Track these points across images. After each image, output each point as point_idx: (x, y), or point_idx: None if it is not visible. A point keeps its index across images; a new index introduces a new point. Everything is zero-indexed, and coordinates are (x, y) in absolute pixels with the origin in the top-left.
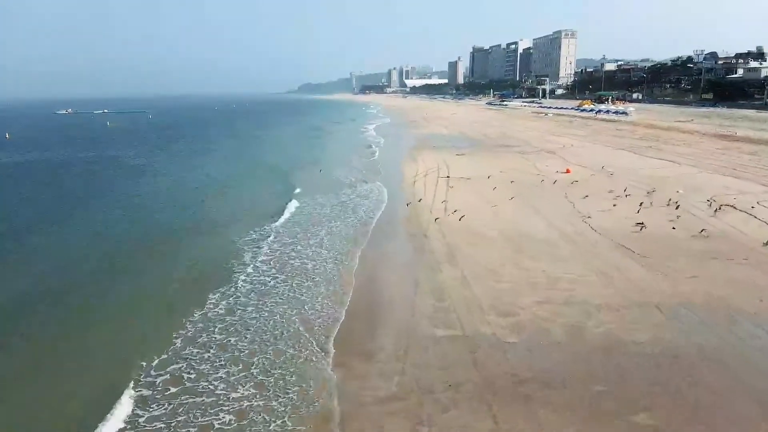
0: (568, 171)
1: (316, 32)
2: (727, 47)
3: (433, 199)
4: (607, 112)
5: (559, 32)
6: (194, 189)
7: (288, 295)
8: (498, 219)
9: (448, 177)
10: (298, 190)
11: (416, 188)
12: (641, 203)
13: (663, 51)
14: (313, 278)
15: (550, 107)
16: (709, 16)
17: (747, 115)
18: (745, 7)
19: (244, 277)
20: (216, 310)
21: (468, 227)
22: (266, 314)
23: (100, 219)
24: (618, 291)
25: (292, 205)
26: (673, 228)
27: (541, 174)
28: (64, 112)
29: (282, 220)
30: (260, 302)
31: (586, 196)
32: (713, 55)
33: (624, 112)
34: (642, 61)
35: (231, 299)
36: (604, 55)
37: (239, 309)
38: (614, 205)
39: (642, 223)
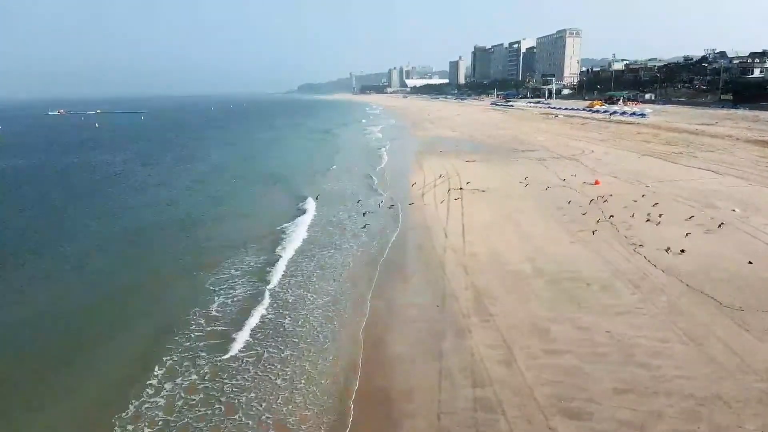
0: (597, 182)
1: (316, 32)
2: (732, 47)
3: (447, 218)
4: (623, 113)
5: (564, 31)
6: (153, 224)
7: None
8: (529, 247)
9: (460, 189)
10: (291, 225)
11: (426, 202)
12: (707, 228)
13: (667, 51)
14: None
15: (558, 108)
16: (712, 16)
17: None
18: (746, 7)
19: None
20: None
21: (494, 259)
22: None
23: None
24: (723, 369)
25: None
26: (750, 262)
27: (567, 185)
28: (55, 112)
29: (278, 273)
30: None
31: (632, 215)
32: (722, 55)
33: (642, 114)
34: (649, 60)
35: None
36: (614, 54)
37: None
38: (659, 224)
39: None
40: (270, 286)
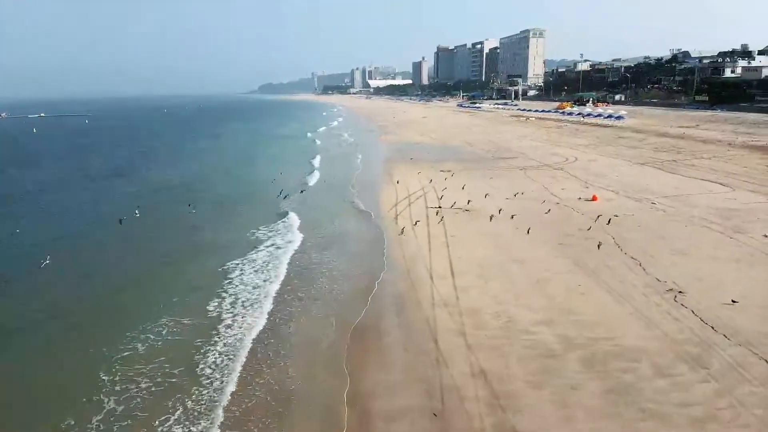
0: (594, 198)
1: (277, 32)
2: (697, 47)
3: (429, 252)
4: (599, 115)
5: (527, 31)
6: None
7: None
8: (543, 300)
9: (440, 207)
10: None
11: (402, 228)
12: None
13: (628, 52)
14: None
15: (528, 110)
16: (673, 17)
17: (758, 119)
18: (703, 8)
19: None
20: None
21: (502, 321)
22: None
23: None
24: None
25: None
26: None
27: (563, 203)
28: None
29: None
30: None
31: (651, 243)
32: (687, 55)
33: (619, 116)
34: (614, 61)
35: None
36: (581, 54)
37: None
38: (686, 255)
39: None
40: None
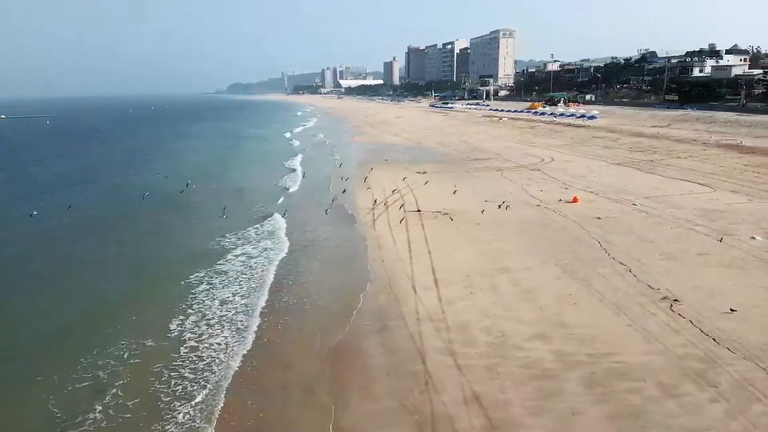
0: (575, 200)
1: (246, 31)
2: (664, 47)
3: (410, 260)
4: (572, 115)
5: (497, 32)
6: None
7: None
8: (534, 312)
9: (419, 211)
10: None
11: (379, 234)
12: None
13: (596, 52)
14: None
15: (501, 110)
16: (640, 18)
17: (729, 118)
18: (670, 10)
19: None
20: None
21: (493, 337)
22: None
23: None
24: None
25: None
26: None
27: (543, 204)
28: None
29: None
30: None
31: (638, 247)
32: (653, 55)
33: (592, 116)
34: (582, 61)
35: None
36: (552, 55)
37: None
38: (676, 260)
39: None
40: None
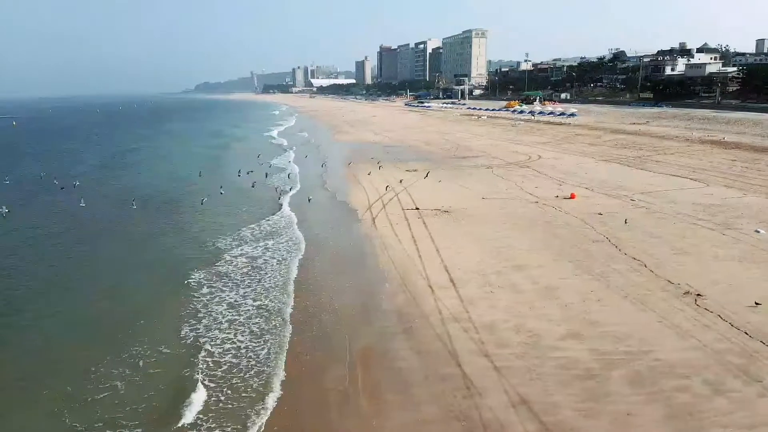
0: (573, 196)
1: (215, 29)
2: (633, 47)
3: (420, 258)
4: (551, 114)
5: (470, 32)
6: None
7: None
8: (559, 310)
9: (417, 209)
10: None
11: (382, 233)
12: None
13: (567, 52)
14: None
15: (478, 109)
16: (608, 18)
17: (706, 115)
18: (632, 11)
19: None
20: None
21: (524, 336)
22: None
23: None
24: None
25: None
26: None
27: (541, 201)
28: None
29: None
30: None
31: (648, 241)
32: (622, 54)
33: (572, 114)
34: (554, 61)
35: None
36: (527, 54)
37: None
38: (689, 254)
39: None
40: None
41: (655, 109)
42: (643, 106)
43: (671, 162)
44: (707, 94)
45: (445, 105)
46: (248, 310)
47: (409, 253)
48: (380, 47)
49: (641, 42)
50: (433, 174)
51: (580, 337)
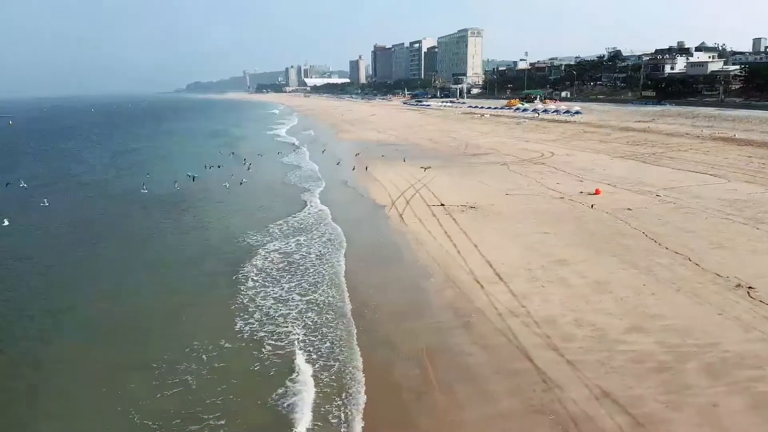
0: (597, 192)
1: (204, 27)
2: (629, 46)
3: (458, 253)
4: (555, 111)
5: (465, 31)
6: None
7: None
8: (615, 304)
9: (442, 205)
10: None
11: (411, 228)
12: None
13: (563, 52)
14: None
15: (479, 107)
16: (603, 19)
17: (711, 113)
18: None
19: None
20: None
21: (587, 330)
22: None
23: None
24: None
25: None
26: None
27: (567, 196)
28: None
29: None
30: None
31: (682, 236)
32: (619, 54)
33: (577, 112)
34: (549, 60)
35: None
36: (526, 53)
37: None
38: (726, 248)
39: None
40: None
41: (658, 108)
42: (645, 104)
43: (687, 158)
44: (710, 93)
45: (444, 104)
46: (297, 304)
47: (446, 248)
48: (374, 46)
49: (637, 42)
50: (448, 171)
51: (644, 330)
